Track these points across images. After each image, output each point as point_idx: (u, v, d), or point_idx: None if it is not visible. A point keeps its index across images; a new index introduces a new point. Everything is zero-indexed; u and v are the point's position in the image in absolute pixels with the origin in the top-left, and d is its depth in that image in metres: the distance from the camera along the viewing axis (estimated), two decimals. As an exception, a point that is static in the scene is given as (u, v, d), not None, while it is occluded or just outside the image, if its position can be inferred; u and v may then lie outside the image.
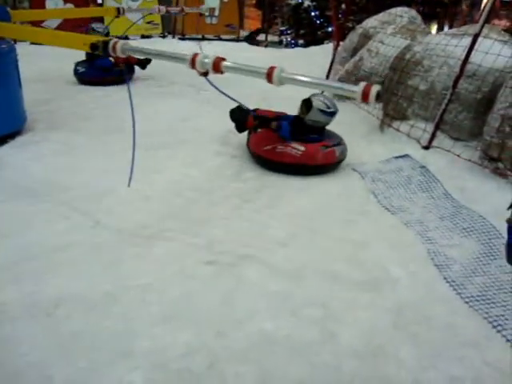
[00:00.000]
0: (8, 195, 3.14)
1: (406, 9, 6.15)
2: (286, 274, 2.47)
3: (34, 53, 7.11)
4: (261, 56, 9.09)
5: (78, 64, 6.38)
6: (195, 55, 2.25)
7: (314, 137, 3.70)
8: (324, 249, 2.72)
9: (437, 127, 3.99)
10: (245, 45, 11.02)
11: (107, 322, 2.07)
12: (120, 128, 4.43)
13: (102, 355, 1.89)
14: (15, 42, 4.36)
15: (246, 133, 4.04)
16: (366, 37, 5.96)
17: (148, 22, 10.36)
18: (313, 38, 11.79)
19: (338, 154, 3.74)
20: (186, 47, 9.78)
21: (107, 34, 6.53)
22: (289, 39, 12.87)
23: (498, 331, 2.13)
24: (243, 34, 12.62)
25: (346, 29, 7.40)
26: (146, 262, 2.52)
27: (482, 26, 3.65)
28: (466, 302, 2.32)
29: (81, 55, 5.85)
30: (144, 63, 6.34)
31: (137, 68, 6.46)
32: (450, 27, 11.08)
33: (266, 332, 2.06)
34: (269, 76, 2.07)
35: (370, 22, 6.23)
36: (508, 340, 2.08)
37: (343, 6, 9.21)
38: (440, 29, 11.66)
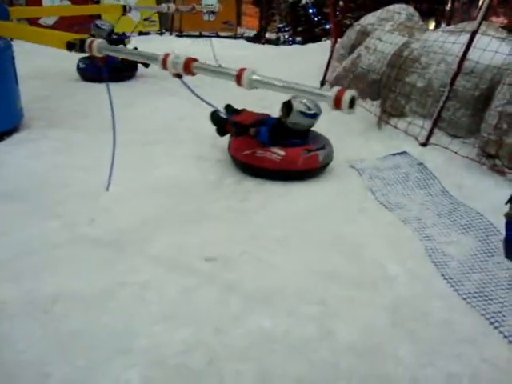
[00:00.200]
0: (3, 193, 3.13)
1: (403, 6, 6.15)
2: (284, 272, 2.47)
3: (32, 50, 7.05)
4: (259, 53, 9.09)
5: (80, 60, 6.20)
6: (167, 55, 2.16)
7: (296, 141, 3.54)
8: (321, 246, 2.72)
9: (434, 124, 3.99)
10: (242, 42, 11.00)
11: (105, 319, 2.07)
12: (118, 126, 4.43)
13: (100, 353, 1.89)
14: (12, 39, 4.32)
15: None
16: (364, 34, 5.95)
17: (146, 19, 10.29)
18: (310, 35, 11.78)
19: (322, 158, 3.56)
20: (184, 44, 9.77)
21: (112, 32, 6.43)
22: (286, 36, 12.86)
23: (496, 328, 2.13)
24: (240, 31, 12.58)
25: (343, 26, 7.38)
26: (144, 260, 2.51)
27: (480, 23, 3.65)
28: (464, 299, 2.32)
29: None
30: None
31: (140, 66, 6.45)
32: (448, 24, 11.08)
33: (265, 330, 2.06)
34: (238, 78, 1.93)
35: (368, 19, 6.22)
36: (505, 336, 2.08)
37: (341, 3, 9.20)
38: (437, 26, 11.66)
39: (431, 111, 4.10)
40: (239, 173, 3.64)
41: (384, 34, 5.33)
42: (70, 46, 2.47)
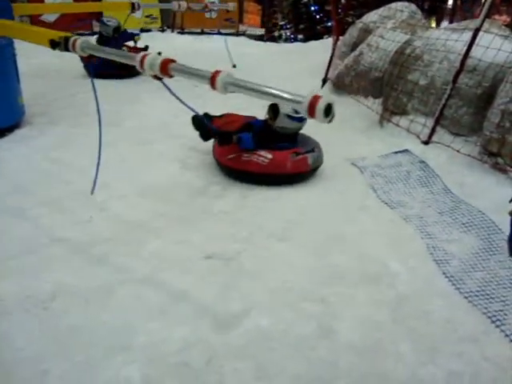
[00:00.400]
0: (4, 188, 3.12)
1: (406, 3, 6.13)
2: (284, 269, 2.46)
3: (33, 47, 7.07)
4: (262, 51, 9.07)
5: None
6: (144, 55, 2.01)
7: (284, 144, 3.38)
8: (322, 243, 2.71)
9: (437, 122, 3.97)
10: (243, 39, 10.96)
11: (104, 315, 2.06)
12: (118, 123, 4.43)
13: (99, 349, 1.88)
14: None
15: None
16: (366, 31, 5.93)
17: (147, 16, 10.27)
18: (312, 33, 11.77)
19: (312, 161, 3.41)
20: (185, 41, 9.75)
21: (118, 28, 6.40)
22: (288, 34, 12.84)
23: (497, 326, 2.12)
24: (242, 28, 12.55)
25: (345, 23, 7.37)
26: (143, 256, 2.51)
27: (483, 21, 3.63)
28: (465, 297, 2.31)
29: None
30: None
31: None
32: (451, 22, 11.05)
33: (264, 328, 2.05)
34: (212, 80, 1.80)
35: (370, 17, 6.20)
36: (507, 335, 2.07)
37: (343, 0, 9.17)
38: (438, 23, 11.64)
39: (433, 109, 4.08)
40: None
41: (386, 31, 5.31)
42: (54, 44, 2.38)
